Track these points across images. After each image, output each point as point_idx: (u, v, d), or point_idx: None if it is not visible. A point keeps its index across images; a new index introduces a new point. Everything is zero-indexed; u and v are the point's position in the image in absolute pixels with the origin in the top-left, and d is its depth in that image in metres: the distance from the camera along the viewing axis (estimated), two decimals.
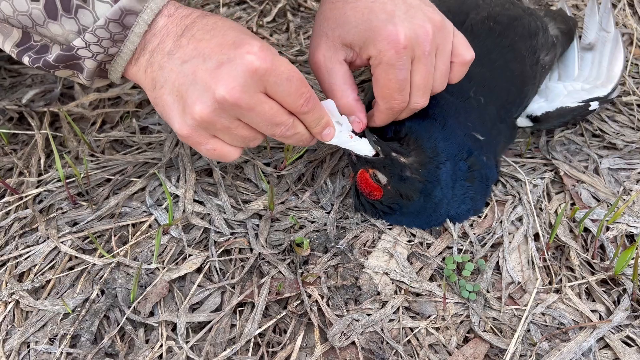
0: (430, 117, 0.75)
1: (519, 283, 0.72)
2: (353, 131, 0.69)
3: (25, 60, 0.61)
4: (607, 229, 0.78)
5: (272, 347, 0.66)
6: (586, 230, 0.78)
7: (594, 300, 0.71)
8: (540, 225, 0.77)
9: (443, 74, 0.67)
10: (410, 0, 0.65)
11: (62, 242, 0.74)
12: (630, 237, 0.77)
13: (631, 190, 0.82)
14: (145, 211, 0.78)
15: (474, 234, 0.77)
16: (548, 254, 0.75)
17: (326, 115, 0.64)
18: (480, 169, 0.75)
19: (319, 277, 0.71)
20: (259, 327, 0.67)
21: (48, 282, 0.71)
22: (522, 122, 0.86)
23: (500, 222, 0.78)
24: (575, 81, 0.92)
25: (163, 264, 0.72)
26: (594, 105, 0.85)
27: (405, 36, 0.62)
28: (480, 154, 0.76)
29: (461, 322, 0.69)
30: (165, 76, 0.60)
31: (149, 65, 0.61)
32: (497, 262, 0.74)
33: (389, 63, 0.63)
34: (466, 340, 0.68)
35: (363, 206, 0.77)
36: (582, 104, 0.85)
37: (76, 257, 0.73)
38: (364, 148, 0.70)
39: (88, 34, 0.58)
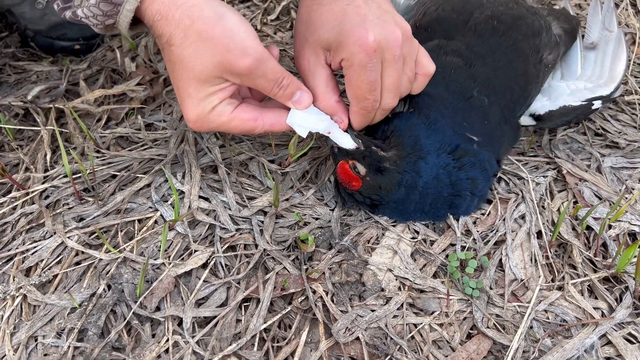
0: (418, 116, 0.75)
1: (521, 280, 0.73)
2: None
3: (55, 7, 0.66)
4: (610, 227, 0.78)
5: (278, 342, 0.67)
6: (588, 228, 0.78)
7: (596, 298, 0.72)
8: (543, 223, 0.78)
9: (408, 81, 0.70)
10: (384, 5, 0.67)
11: (68, 237, 0.74)
12: (633, 236, 0.78)
13: (633, 189, 0.83)
14: (150, 207, 0.79)
15: (477, 231, 0.78)
16: (551, 252, 0.75)
17: (277, 128, 0.71)
18: (474, 159, 0.75)
19: (324, 273, 0.72)
20: (264, 323, 0.67)
21: (55, 276, 0.72)
22: (525, 120, 0.87)
23: (504, 219, 0.79)
24: (578, 80, 0.93)
25: (169, 260, 0.72)
26: (597, 104, 0.86)
27: (375, 40, 0.64)
28: (471, 147, 0.76)
29: (464, 318, 0.70)
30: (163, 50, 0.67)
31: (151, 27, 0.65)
32: (500, 260, 0.75)
33: (360, 65, 0.65)
34: (469, 336, 0.68)
35: (343, 198, 0.78)
36: (585, 103, 0.85)
37: (83, 252, 0.74)
38: (347, 141, 0.72)
39: (85, 9, 0.62)
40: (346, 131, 0.72)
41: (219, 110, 0.67)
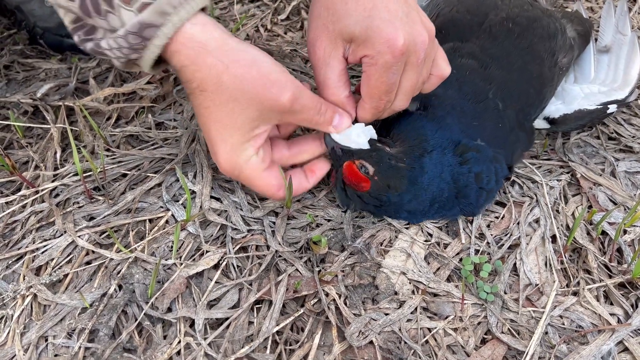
0: (426, 115, 0.75)
1: (536, 285, 0.72)
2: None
3: (76, 38, 0.63)
4: (625, 232, 0.77)
5: (290, 345, 0.66)
6: (604, 233, 0.77)
7: (612, 304, 0.71)
8: (558, 228, 0.77)
9: (422, 81, 0.69)
10: (410, 1, 0.65)
11: (79, 237, 0.74)
12: None
13: None
14: (162, 207, 0.78)
15: (491, 234, 0.77)
16: (565, 257, 0.75)
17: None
18: (477, 154, 0.74)
19: (336, 275, 0.71)
20: (277, 325, 0.67)
21: (66, 276, 0.71)
22: (539, 124, 0.86)
23: (518, 223, 0.78)
24: (592, 84, 0.92)
25: (180, 260, 0.72)
26: (612, 108, 0.85)
27: (404, 42, 0.62)
28: (474, 143, 0.74)
29: (479, 323, 0.69)
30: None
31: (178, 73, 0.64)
32: (515, 264, 0.74)
33: (384, 66, 0.63)
34: (484, 341, 0.68)
35: (351, 200, 0.76)
36: (601, 106, 0.85)
37: (93, 252, 0.73)
38: (359, 140, 0.71)
39: (111, 40, 0.60)
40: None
41: (253, 163, 0.67)
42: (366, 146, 0.71)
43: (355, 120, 0.71)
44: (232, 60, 0.61)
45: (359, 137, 0.70)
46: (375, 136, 0.72)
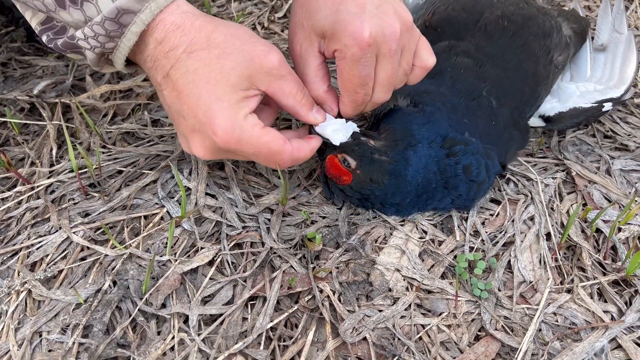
0: (414, 109, 0.75)
1: (530, 282, 0.72)
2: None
3: (44, 38, 0.63)
4: (619, 230, 0.78)
5: (284, 341, 0.66)
6: (598, 231, 0.77)
7: (605, 301, 0.71)
8: (552, 225, 0.77)
9: (404, 73, 0.68)
10: None
11: (74, 233, 0.74)
12: None
13: None
14: (157, 203, 0.78)
15: (486, 232, 0.77)
16: (560, 254, 0.75)
17: (302, 154, 0.68)
18: (465, 147, 0.74)
19: (331, 272, 0.71)
20: (271, 321, 0.67)
21: (60, 272, 0.71)
22: (535, 122, 0.86)
23: (512, 221, 0.78)
24: (588, 82, 0.92)
25: (175, 256, 0.72)
26: (608, 106, 0.85)
27: (370, 34, 0.61)
28: (462, 137, 0.74)
29: (472, 320, 0.69)
30: (165, 86, 0.64)
31: (153, 68, 0.63)
32: (509, 261, 0.74)
33: (352, 59, 0.63)
34: (478, 338, 0.68)
35: (333, 193, 0.76)
36: (596, 104, 0.85)
37: (88, 248, 0.73)
38: (335, 135, 0.71)
39: (87, 28, 0.59)
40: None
41: (252, 120, 0.63)
42: (345, 139, 0.71)
43: (339, 116, 0.71)
44: (220, 23, 0.62)
45: (335, 132, 0.71)
46: (357, 130, 0.72)
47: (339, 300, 0.69)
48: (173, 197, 0.79)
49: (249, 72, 0.61)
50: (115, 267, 0.71)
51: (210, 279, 0.70)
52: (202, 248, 0.73)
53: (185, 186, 0.79)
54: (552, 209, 0.80)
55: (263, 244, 0.74)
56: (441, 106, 0.75)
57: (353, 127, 0.72)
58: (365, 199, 0.75)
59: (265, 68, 0.62)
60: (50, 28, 0.63)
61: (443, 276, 0.73)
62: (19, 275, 0.70)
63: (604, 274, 0.73)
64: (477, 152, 0.74)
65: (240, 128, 0.61)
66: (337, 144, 0.71)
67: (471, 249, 0.75)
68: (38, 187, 0.80)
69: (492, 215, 0.79)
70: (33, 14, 0.63)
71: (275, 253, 0.73)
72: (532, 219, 0.79)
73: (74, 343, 0.64)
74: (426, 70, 0.69)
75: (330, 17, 0.63)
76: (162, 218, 0.77)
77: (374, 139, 0.73)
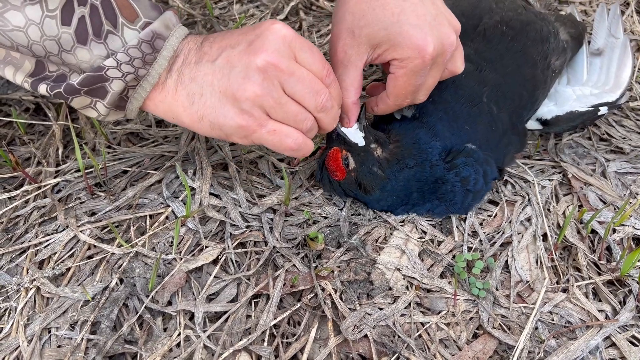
0: (419, 122, 0.78)
1: (527, 282, 0.74)
2: None
3: (42, 88, 0.61)
4: (614, 231, 0.79)
5: (287, 338, 0.68)
6: (593, 232, 0.79)
7: (600, 300, 0.73)
8: (549, 226, 0.79)
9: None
10: (437, 3, 0.67)
11: (81, 231, 0.75)
12: (636, 240, 0.79)
13: (637, 194, 0.84)
14: (162, 203, 0.80)
15: (484, 232, 0.79)
16: (556, 254, 0.77)
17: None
18: (466, 159, 0.76)
19: (332, 271, 0.73)
20: (274, 319, 0.68)
21: (68, 269, 0.72)
22: (532, 125, 0.88)
23: (510, 222, 0.80)
24: (584, 86, 0.94)
25: (180, 255, 0.73)
26: (603, 110, 0.87)
27: (434, 47, 0.64)
28: (466, 147, 0.77)
29: (471, 318, 0.71)
30: (201, 83, 0.61)
31: (179, 83, 0.62)
32: (506, 261, 0.76)
33: (413, 70, 0.66)
34: (475, 336, 0.69)
35: (323, 180, 0.80)
36: (592, 108, 0.86)
37: (95, 246, 0.74)
38: (356, 135, 0.73)
39: (120, 54, 0.59)
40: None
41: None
42: (361, 143, 0.73)
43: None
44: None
45: (356, 132, 0.73)
46: (362, 141, 0.74)
47: (341, 299, 0.71)
48: (178, 197, 0.80)
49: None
50: (121, 265, 0.72)
51: (214, 277, 0.72)
52: (206, 247, 0.75)
53: (190, 186, 0.81)
54: (548, 210, 0.82)
55: (266, 243, 0.76)
56: (443, 115, 0.77)
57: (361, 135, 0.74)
58: (348, 196, 0.80)
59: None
60: (45, 78, 0.61)
61: (442, 275, 0.75)
62: (27, 272, 0.72)
63: (599, 274, 0.75)
64: (477, 161, 0.76)
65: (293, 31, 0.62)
66: (363, 143, 0.73)
67: (469, 249, 0.77)
68: (45, 186, 0.81)
69: (490, 216, 0.81)
70: (15, 69, 0.61)
71: (278, 252, 0.75)
72: (529, 220, 0.80)
73: (82, 339, 0.65)
74: (453, 75, 0.73)
75: (390, 28, 0.64)
76: (167, 217, 0.78)
77: (382, 147, 0.75)
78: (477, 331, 0.70)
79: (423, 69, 0.65)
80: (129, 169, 0.84)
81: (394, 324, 0.69)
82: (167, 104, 0.64)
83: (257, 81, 0.60)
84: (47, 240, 0.75)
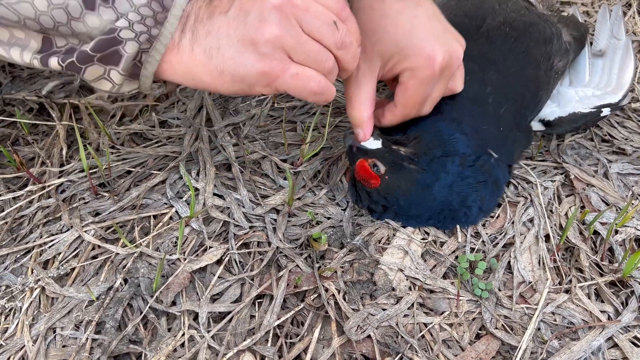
0: (442, 118, 0.77)
1: (529, 282, 0.74)
2: None
3: (53, 61, 0.60)
4: (616, 232, 0.80)
5: (291, 338, 0.68)
6: (596, 233, 0.79)
7: (602, 301, 0.73)
8: (551, 227, 0.79)
9: None
10: (443, 21, 0.71)
11: (85, 232, 0.76)
12: (639, 241, 0.79)
13: (639, 195, 0.84)
14: (165, 203, 0.80)
15: (486, 233, 0.79)
16: (558, 255, 0.77)
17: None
18: (489, 169, 0.76)
19: (336, 271, 0.73)
20: (278, 319, 0.69)
21: (73, 269, 0.73)
22: (535, 126, 0.88)
23: (512, 222, 0.80)
24: (586, 87, 0.94)
25: (184, 255, 0.74)
26: (606, 111, 0.87)
27: (443, 58, 0.67)
28: (489, 161, 0.77)
29: (473, 319, 0.71)
30: (217, 36, 0.59)
31: (194, 41, 0.60)
32: (509, 262, 0.76)
33: (423, 80, 0.68)
34: (478, 336, 0.70)
35: (359, 196, 0.78)
36: (594, 110, 0.87)
37: (99, 247, 0.75)
38: (370, 143, 0.74)
39: (131, 13, 0.57)
40: None
41: None
42: (379, 146, 0.74)
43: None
44: None
45: (374, 143, 0.74)
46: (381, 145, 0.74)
47: (344, 299, 0.71)
48: (181, 197, 0.81)
49: None
50: (126, 265, 0.72)
51: (218, 277, 0.72)
52: (210, 247, 0.75)
53: (193, 187, 0.81)
54: (551, 211, 0.82)
55: (270, 243, 0.76)
56: (463, 113, 0.77)
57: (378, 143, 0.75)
58: (387, 207, 0.77)
59: None
60: (55, 52, 0.60)
61: (445, 276, 0.75)
62: (32, 272, 0.72)
63: (601, 275, 0.75)
64: (496, 179, 0.77)
65: None
66: (373, 147, 0.74)
67: (472, 249, 0.77)
68: (49, 186, 0.82)
69: (492, 217, 0.81)
70: (22, 49, 0.60)
71: (281, 253, 0.75)
72: (531, 220, 0.81)
73: (87, 339, 0.66)
74: (452, 93, 0.76)
75: (401, 42, 0.68)
76: (171, 218, 0.79)
77: (404, 145, 0.75)
78: (479, 332, 0.70)
79: (432, 79, 0.68)
80: (133, 170, 0.84)
81: (397, 324, 0.69)
82: (185, 65, 0.61)
83: (274, 21, 0.58)
84: (52, 241, 0.75)
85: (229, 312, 0.69)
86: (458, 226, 0.79)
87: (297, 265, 0.74)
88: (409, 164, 0.73)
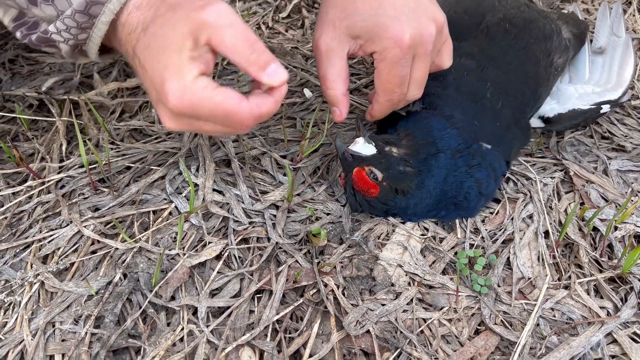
0: (433, 114, 0.77)
1: (529, 278, 0.74)
2: None
3: (18, 34, 0.64)
4: (616, 228, 0.80)
5: (290, 333, 0.68)
6: (595, 229, 0.79)
7: (602, 297, 0.73)
8: (551, 223, 0.79)
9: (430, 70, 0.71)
10: None
11: (84, 227, 0.76)
12: (638, 237, 0.79)
13: (639, 192, 0.84)
14: (165, 199, 0.80)
15: (486, 229, 0.79)
16: (557, 251, 0.77)
17: (265, 108, 0.60)
18: (481, 154, 0.76)
19: (335, 267, 0.73)
20: (277, 314, 0.69)
21: (72, 264, 0.73)
22: (534, 122, 0.88)
23: (512, 219, 0.80)
24: (586, 84, 0.94)
25: (184, 250, 0.74)
26: (605, 108, 0.87)
27: (410, 36, 0.65)
28: (480, 149, 0.77)
29: (473, 314, 0.71)
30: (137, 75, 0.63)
31: (124, 53, 0.63)
32: (508, 258, 0.76)
33: (393, 60, 0.66)
34: (477, 332, 0.70)
35: (360, 205, 0.78)
36: (594, 106, 0.87)
37: (99, 242, 0.75)
38: (364, 149, 0.74)
39: (59, 22, 0.60)
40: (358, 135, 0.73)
41: (201, 82, 0.57)
42: (373, 151, 0.73)
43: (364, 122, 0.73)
44: None
45: (364, 146, 0.74)
46: (375, 150, 0.74)
47: (343, 295, 0.71)
48: (181, 193, 0.81)
49: (189, 29, 0.56)
50: (125, 260, 0.72)
51: (217, 272, 0.72)
52: (209, 243, 0.75)
53: (193, 182, 0.81)
54: (550, 207, 0.82)
55: (269, 239, 0.76)
56: (455, 108, 0.77)
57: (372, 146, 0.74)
58: (389, 210, 0.77)
59: (203, 19, 0.56)
60: (23, 24, 0.64)
61: (444, 272, 0.75)
62: (31, 267, 0.72)
63: (601, 271, 0.75)
64: (490, 164, 0.76)
65: (190, 91, 0.57)
66: (367, 154, 0.73)
67: (471, 245, 0.77)
68: (48, 181, 0.82)
69: (492, 213, 0.81)
70: (5, 10, 0.64)
71: (280, 248, 0.75)
72: (530, 217, 0.81)
73: (86, 333, 0.66)
74: (439, 69, 0.73)
75: (369, 20, 0.66)
76: (170, 213, 0.79)
77: (396, 145, 0.74)
78: (479, 327, 0.70)
79: (402, 58, 0.66)
80: (133, 165, 0.84)
81: (396, 319, 0.69)
82: (123, 53, 0.64)
83: (167, 122, 0.61)
84: (51, 235, 0.75)
85: (228, 307, 0.69)
86: (457, 222, 0.79)
87: (297, 261, 0.74)
88: (404, 167, 0.74)
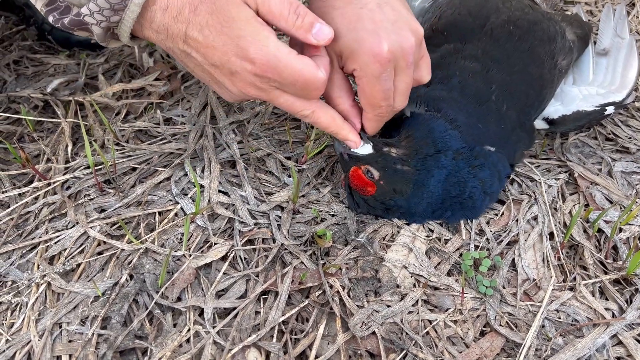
0: (435, 115, 0.77)
1: (534, 280, 0.74)
2: None
3: (50, 19, 0.64)
4: (620, 230, 0.80)
5: (296, 334, 0.68)
6: (600, 231, 0.80)
7: (607, 299, 0.73)
8: (555, 225, 0.79)
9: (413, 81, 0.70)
10: (398, 7, 0.66)
11: (91, 228, 0.76)
12: None
13: None
14: (171, 200, 0.80)
15: (491, 231, 0.79)
16: (562, 253, 0.77)
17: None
18: (484, 155, 0.76)
19: (340, 268, 0.73)
20: (283, 315, 0.69)
21: (78, 265, 0.73)
22: (539, 124, 0.88)
23: (516, 220, 0.80)
24: (590, 86, 0.94)
25: (189, 251, 0.74)
26: (610, 110, 0.88)
27: (389, 49, 0.63)
28: (482, 150, 0.76)
29: (478, 316, 0.71)
30: (185, 63, 0.64)
31: (159, 41, 0.63)
32: (513, 259, 0.76)
33: (373, 75, 0.64)
34: (483, 333, 0.70)
35: (357, 204, 0.78)
36: (598, 108, 0.87)
37: (105, 243, 0.75)
38: (363, 148, 0.73)
39: (91, 4, 0.60)
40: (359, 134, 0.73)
41: (284, 48, 0.60)
42: (370, 151, 0.73)
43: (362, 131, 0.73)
44: None
45: (361, 146, 0.73)
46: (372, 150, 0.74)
47: (349, 296, 0.71)
48: (186, 194, 0.81)
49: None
50: (131, 261, 0.73)
51: (223, 273, 0.73)
52: (215, 244, 0.75)
53: (199, 183, 0.81)
54: (555, 209, 0.82)
55: (274, 240, 0.76)
56: (459, 111, 0.77)
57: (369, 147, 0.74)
58: (388, 210, 0.77)
59: None
60: (55, 9, 0.63)
61: (449, 273, 0.75)
62: (38, 268, 0.72)
63: (605, 273, 0.75)
64: (494, 164, 0.76)
65: (275, 58, 0.59)
66: (365, 153, 0.73)
67: (476, 247, 0.77)
68: (54, 183, 0.82)
69: (496, 214, 0.81)
70: None
71: (286, 249, 0.75)
72: (535, 218, 0.81)
73: (93, 334, 0.66)
74: (419, 84, 0.72)
75: (347, 35, 0.64)
76: (176, 214, 0.79)
77: (395, 147, 0.74)
78: (484, 329, 0.70)
79: (383, 72, 0.64)
80: (138, 166, 0.85)
81: (401, 321, 0.69)
82: (159, 41, 0.64)
83: (245, 90, 0.63)
84: (58, 237, 0.76)
85: (234, 308, 0.69)
86: (462, 223, 0.79)
87: (302, 262, 0.74)
88: (401, 166, 0.73)
